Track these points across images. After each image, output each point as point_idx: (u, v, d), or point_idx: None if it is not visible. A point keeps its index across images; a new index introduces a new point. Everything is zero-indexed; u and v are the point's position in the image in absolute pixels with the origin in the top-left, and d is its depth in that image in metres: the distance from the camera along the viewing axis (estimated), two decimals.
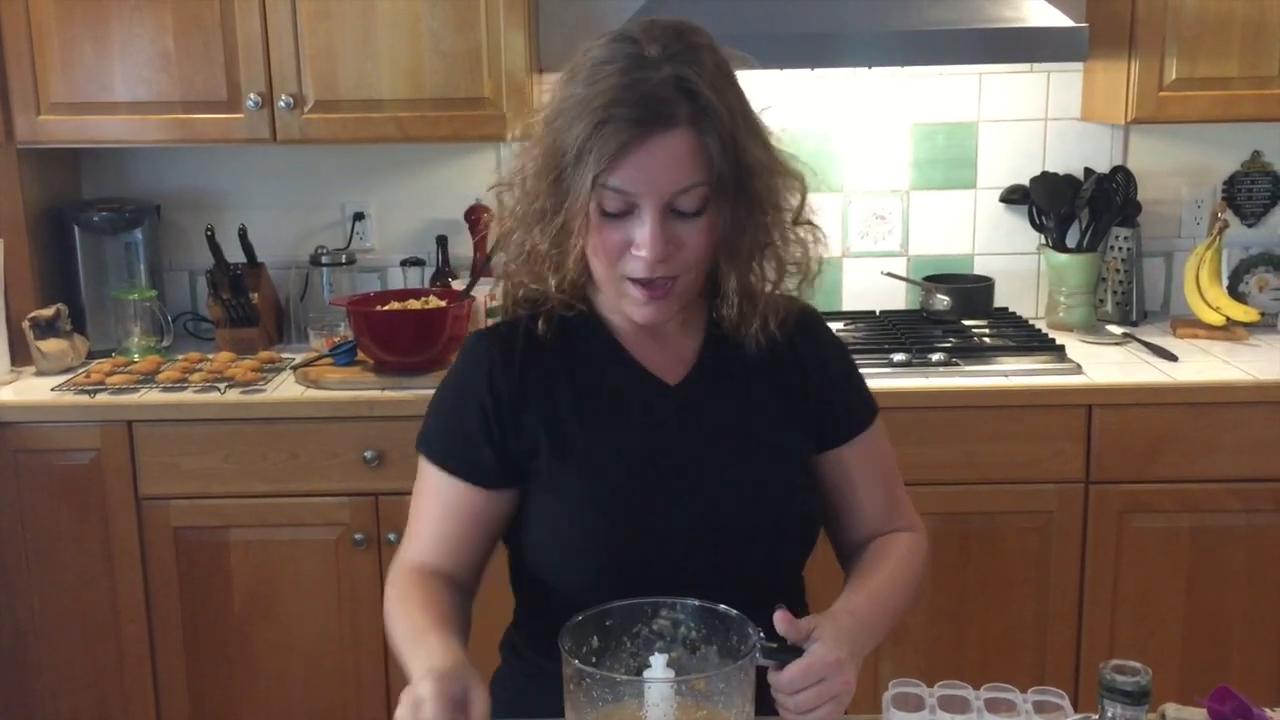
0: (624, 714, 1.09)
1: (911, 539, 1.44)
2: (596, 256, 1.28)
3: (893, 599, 1.36)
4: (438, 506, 1.37)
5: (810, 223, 1.36)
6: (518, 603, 1.48)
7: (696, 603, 1.19)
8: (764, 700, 1.17)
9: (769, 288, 1.35)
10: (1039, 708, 1.10)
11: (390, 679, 2.53)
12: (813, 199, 1.36)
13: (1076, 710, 1.12)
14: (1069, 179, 2.90)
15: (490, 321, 1.40)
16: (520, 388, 1.35)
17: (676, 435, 1.35)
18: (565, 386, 1.35)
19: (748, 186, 1.26)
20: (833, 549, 1.49)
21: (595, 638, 1.18)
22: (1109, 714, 0.86)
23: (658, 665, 1.09)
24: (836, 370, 1.44)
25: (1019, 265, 3.01)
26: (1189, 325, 2.79)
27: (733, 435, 1.37)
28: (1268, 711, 1.18)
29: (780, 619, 1.15)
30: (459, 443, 1.36)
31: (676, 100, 1.21)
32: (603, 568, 1.31)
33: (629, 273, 1.27)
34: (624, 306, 1.32)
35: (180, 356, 2.69)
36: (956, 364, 2.54)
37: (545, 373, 1.35)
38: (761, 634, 1.14)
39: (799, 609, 1.50)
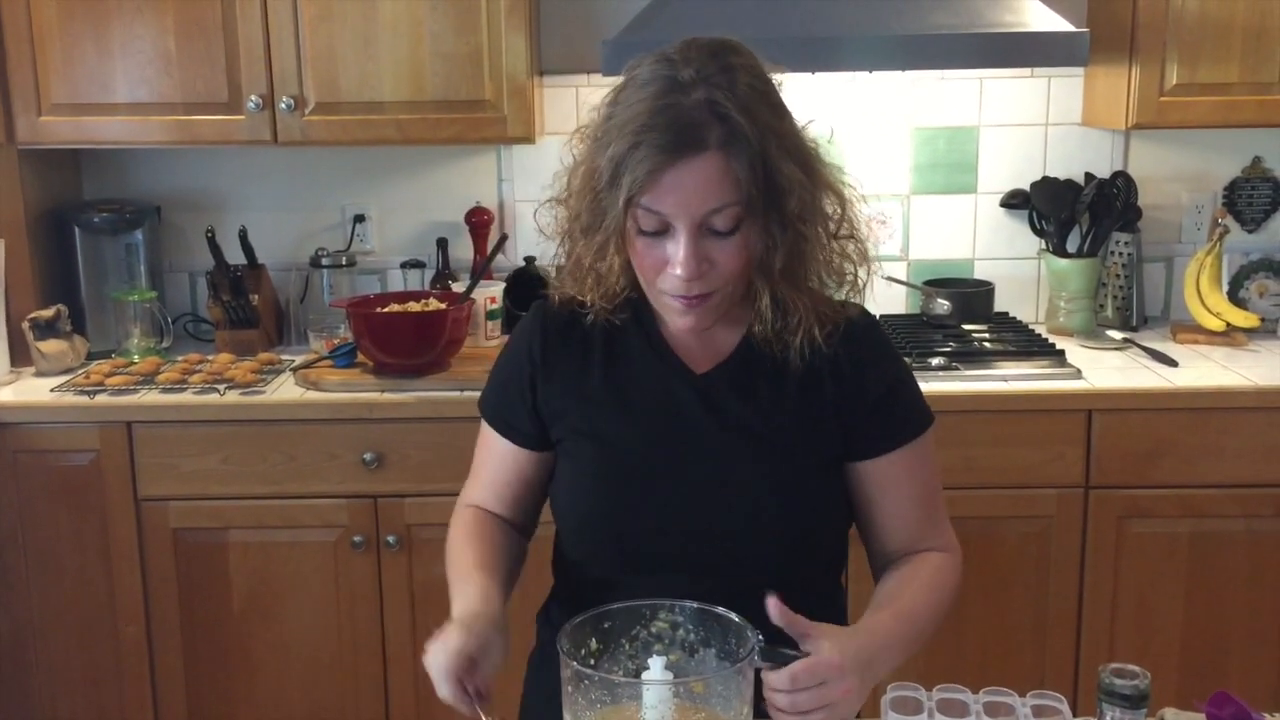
0: (622, 716, 1.09)
1: (944, 559, 1.42)
2: (638, 270, 1.34)
3: (918, 623, 1.34)
4: (490, 459, 1.50)
5: (853, 236, 1.38)
6: (555, 576, 1.52)
7: (695, 605, 1.20)
8: (763, 705, 1.16)
9: (807, 301, 1.36)
10: (1038, 712, 1.10)
11: (389, 680, 2.53)
12: (860, 211, 1.38)
13: (1075, 714, 1.12)
14: (1069, 184, 2.90)
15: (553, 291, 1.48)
16: (557, 359, 1.43)
17: (694, 422, 1.39)
18: (598, 363, 1.42)
19: (780, 205, 1.28)
20: (867, 558, 1.47)
21: (594, 640, 1.18)
22: (1108, 717, 0.86)
23: (656, 667, 1.09)
24: (880, 382, 1.42)
25: (1019, 270, 3.01)
26: (1189, 331, 2.79)
27: (750, 431, 1.38)
28: (1266, 716, 1.18)
29: (773, 605, 1.15)
30: (504, 404, 1.47)
31: (707, 124, 1.24)
32: (612, 539, 1.38)
33: (667, 289, 1.31)
34: (666, 317, 1.37)
35: (180, 358, 2.69)
36: (956, 368, 2.53)
37: (583, 348, 1.43)
38: (761, 637, 1.14)
39: (833, 618, 1.50)
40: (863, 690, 1.19)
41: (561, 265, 1.42)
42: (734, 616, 1.17)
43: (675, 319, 1.34)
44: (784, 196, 1.28)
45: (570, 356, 1.43)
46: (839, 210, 1.36)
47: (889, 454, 1.40)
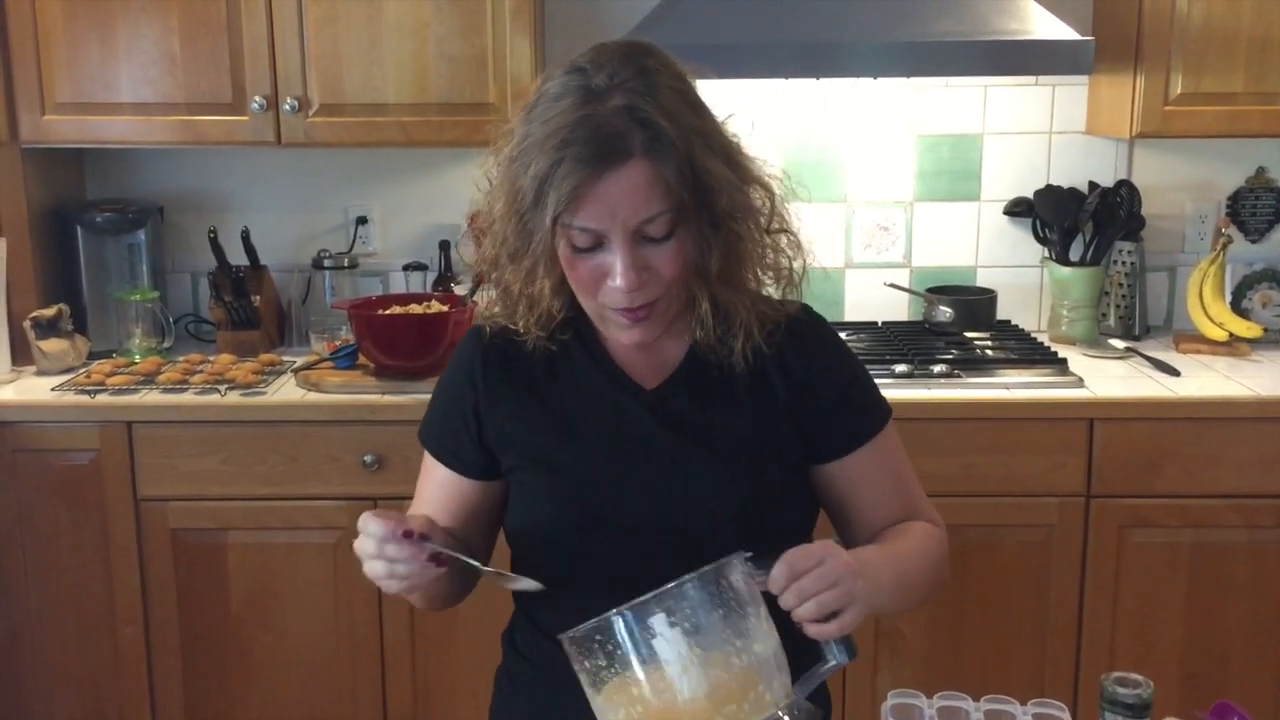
0: (633, 678, 1.06)
1: (928, 526, 1.41)
2: (576, 289, 1.29)
3: (910, 562, 1.32)
4: (434, 492, 1.43)
5: (785, 230, 1.35)
6: (515, 603, 1.48)
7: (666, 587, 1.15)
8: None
9: (747, 302, 1.33)
10: None
11: (386, 683, 2.52)
12: (795, 207, 1.35)
13: None
14: (1073, 192, 2.90)
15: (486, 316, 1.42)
16: (499, 384, 1.39)
17: (646, 439, 1.35)
18: (542, 387, 1.38)
19: (711, 205, 1.25)
20: None
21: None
22: None
23: (660, 625, 1.05)
24: (832, 380, 1.40)
25: (1022, 278, 3.01)
26: (1192, 340, 2.79)
27: (704, 442, 1.35)
28: None
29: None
30: (448, 434, 1.42)
31: (629, 132, 1.20)
32: (572, 563, 1.34)
33: (609, 303, 1.27)
34: (610, 332, 1.33)
35: (181, 358, 2.68)
36: (958, 376, 2.53)
37: (525, 372, 1.38)
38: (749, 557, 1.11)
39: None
40: (867, 595, 1.15)
41: (493, 300, 1.38)
42: (703, 569, 1.13)
43: (621, 334, 1.30)
44: (713, 196, 1.25)
45: (513, 382, 1.38)
46: (768, 204, 1.32)
47: (854, 453, 1.39)
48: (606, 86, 1.21)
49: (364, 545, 1.22)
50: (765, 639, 1.08)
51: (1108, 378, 2.56)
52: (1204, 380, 2.55)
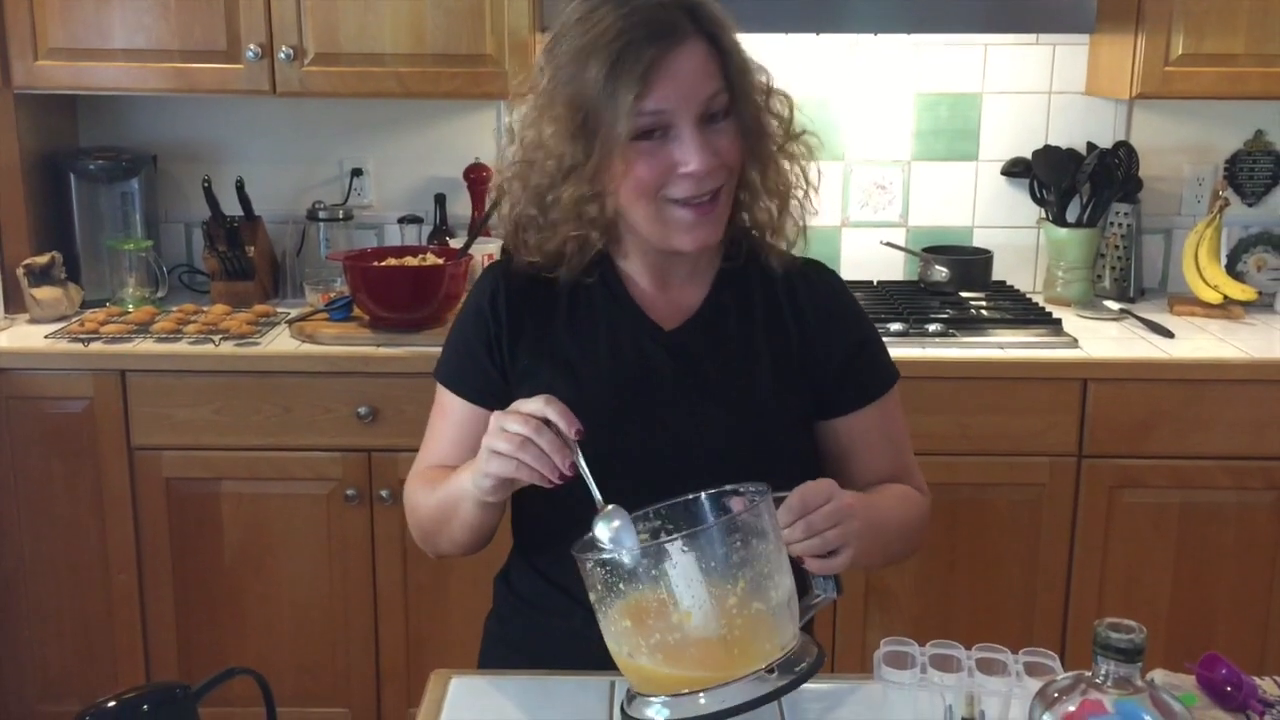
0: (648, 605, 1.07)
1: (913, 492, 1.44)
2: (640, 195, 1.29)
3: (890, 516, 1.35)
4: (449, 427, 1.43)
5: (806, 131, 1.40)
6: (514, 540, 1.49)
7: (671, 501, 1.18)
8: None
9: (779, 201, 1.38)
10: (1029, 669, 1.11)
11: (379, 634, 2.54)
12: (798, 113, 1.40)
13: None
14: (1071, 153, 2.89)
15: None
16: (520, 318, 1.40)
17: (664, 378, 1.37)
18: (563, 322, 1.39)
19: (753, 88, 1.33)
20: None
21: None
22: (1103, 670, 0.86)
23: (673, 549, 1.05)
24: (846, 335, 1.43)
25: (1018, 239, 3.00)
26: (1186, 303, 2.79)
27: (720, 385, 1.37)
28: (1256, 679, 1.19)
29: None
30: (467, 367, 1.42)
31: (679, 16, 1.26)
32: (579, 499, 1.26)
33: (676, 195, 1.28)
34: (671, 241, 1.33)
35: (175, 308, 2.67)
36: (953, 335, 2.53)
37: (546, 306, 1.40)
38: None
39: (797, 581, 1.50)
40: (864, 536, 1.18)
41: (529, 234, 1.37)
42: (710, 491, 1.16)
43: (684, 237, 1.31)
44: (750, 78, 1.32)
45: (534, 316, 1.40)
46: (789, 111, 1.39)
47: (859, 410, 1.42)
48: None
49: (530, 406, 1.18)
50: (786, 578, 1.10)
51: (1102, 339, 2.56)
52: (1197, 342, 2.55)
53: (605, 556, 1.09)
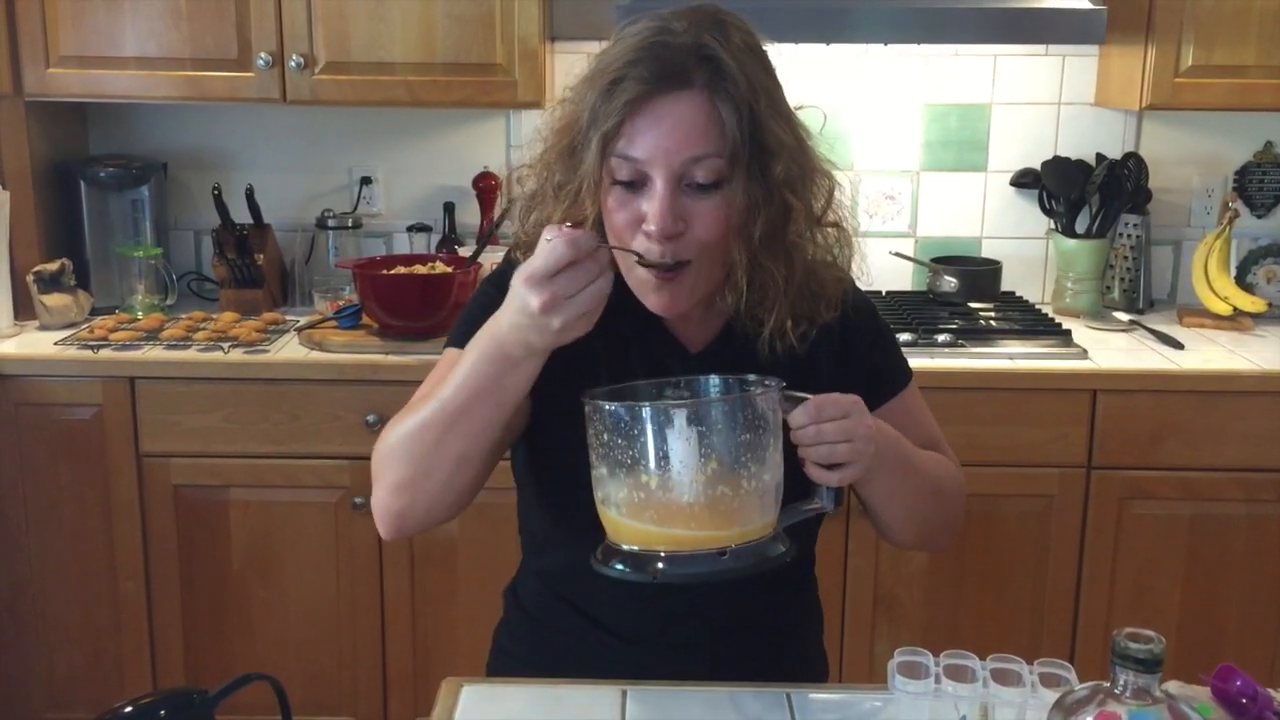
0: (643, 467, 1.11)
1: (949, 463, 1.41)
2: (610, 230, 1.23)
3: (922, 467, 1.32)
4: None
5: (838, 225, 1.30)
6: (523, 554, 1.48)
7: (706, 378, 1.21)
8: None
9: (784, 284, 1.26)
10: (1044, 680, 1.10)
11: (386, 643, 2.53)
12: (844, 200, 1.30)
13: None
14: (1080, 164, 2.89)
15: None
16: None
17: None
18: (594, 332, 1.26)
19: (766, 167, 1.20)
20: (874, 528, 1.42)
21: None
22: (1121, 681, 0.86)
23: (678, 419, 1.09)
24: (861, 340, 1.41)
25: (1027, 249, 3.00)
26: (1196, 314, 2.79)
27: None
28: (1272, 692, 1.18)
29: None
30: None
31: (694, 64, 1.17)
32: (579, 507, 1.23)
33: (638, 249, 1.21)
34: (639, 295, 1.26)
35: (184, 315, 2.68)
36: (962, 345, 2.53)
37: None
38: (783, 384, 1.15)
39: (806, 592, 1.50)
40: (870, 461, 1.17)
41: (528, 233, 1.30)
42: (749, 377, 1.19)
43: (649, 297, 1.24)
44: (770, 159, 1.20)
45: None
46: (827, 194, 1.27)
47: (879, 409, 1.36)
48: (683, 29, 1.20)
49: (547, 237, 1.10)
50: (775, 469, 1.13)
51: (1111, 350, 2.56)
52: (1207, 354, 2.55)
53: (604, 403, 1.12)
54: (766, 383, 1.16)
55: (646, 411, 1.10)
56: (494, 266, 2.73)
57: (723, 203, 1.19)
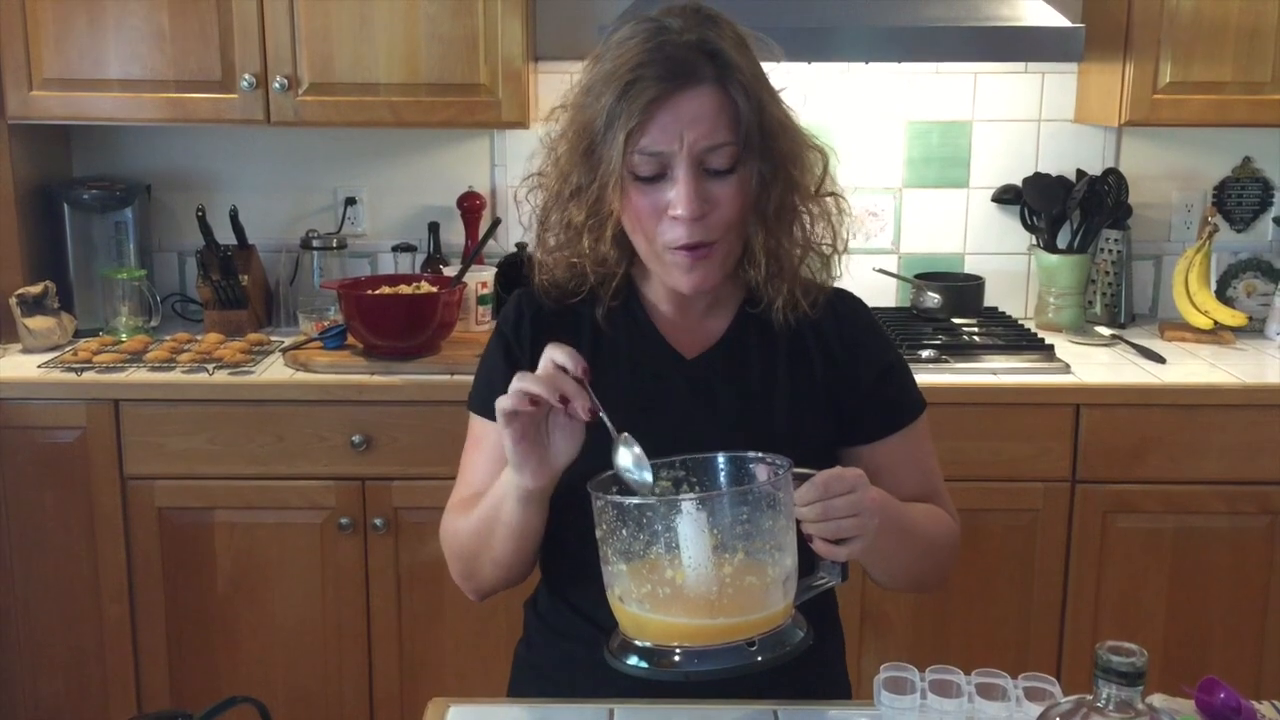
0: (658, 558, 1.09)
1: (946, 517, 1.43)
2: (636, 230, 1.31)
3: (918, 525, 1.34)
4: (482, 458, 1.41)
5: (835, 193, 1.39)
6: (541, 565, 1.48)
7: (694, 457, 1.20)
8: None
9: (797, 256, 1.37)
10: (1029, 694, 1.11)
11: (373, 664, 2.53)
12: (835, 173, 1.39)
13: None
14: (1061, 180, 2.91)
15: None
16: (543, 343, 1.34)
17: (683, 406, 1.37)
18: (587, 346, 1.38)
19: (772, 146, 1.30)
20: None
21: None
22: (1104, 694, 0.86)
23: (687, 507, 1.07)
24: (873, 366, 1.42)
25: (1009, 265, 3.02)
26: (1177, 328, 2.81)
27: (739, 415, 1.37)
28: (1255, 704, 1.19)
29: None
30: (500, 393, 1.35)
31: (701, 60, 1.26)
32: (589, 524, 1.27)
33: (668, 239, 1.29)
34: (670, 280, 1.34)
35: (168, 337, 2.67)
36: (946, 361, 2.54)
37: (571, 331, 1.39)
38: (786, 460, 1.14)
39: (828, 610, 1.50)
40: (876, 533, 1.17)
41: (552, 237, 1.38)
42: (750, 454, 1.18)
43: (680, 279, 1.32)
44: (775, 139, 1.30)
45: (556, 335, 1.36)
46: (821, 165, 1.37)
47: (887, 439, 1.41)
48: (680, 27, 1.28)
49: (548, 358, 1.19)
50: (788, 556, 1.12)
51: (1093, 364, 2.57)
52: (1189, 368, 2.56)
53: (617, 499, 1.11)
54: (773, 461, 1.15)
55: (668, 508, 1.08)
56: (480, 288, 2.75)
57: (739, 183, 1.29)
